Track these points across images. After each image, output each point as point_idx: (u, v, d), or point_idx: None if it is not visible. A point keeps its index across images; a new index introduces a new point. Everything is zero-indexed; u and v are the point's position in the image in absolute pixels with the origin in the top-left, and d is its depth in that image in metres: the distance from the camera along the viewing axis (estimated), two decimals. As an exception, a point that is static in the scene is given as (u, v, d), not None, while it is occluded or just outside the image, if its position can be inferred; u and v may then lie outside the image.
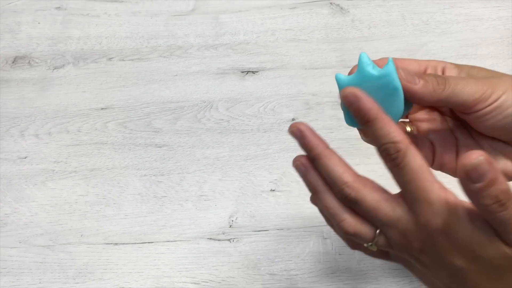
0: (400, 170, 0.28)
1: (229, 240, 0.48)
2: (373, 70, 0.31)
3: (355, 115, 0.29)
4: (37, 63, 0.62)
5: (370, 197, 0.29)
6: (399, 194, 0.29)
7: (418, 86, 0.31)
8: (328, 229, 0.48)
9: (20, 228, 0.49)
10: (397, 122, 0.32)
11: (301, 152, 0.34)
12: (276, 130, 0.55)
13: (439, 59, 0.35)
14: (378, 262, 0.46)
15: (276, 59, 0.62)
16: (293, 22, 0.65)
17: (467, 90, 0.31)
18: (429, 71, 0.34)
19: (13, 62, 0.62)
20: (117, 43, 0.64)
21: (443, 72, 0.34)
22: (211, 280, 0.46)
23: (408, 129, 0.36)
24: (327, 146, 0.32)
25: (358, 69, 0.32)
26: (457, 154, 0.35)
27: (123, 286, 0.45)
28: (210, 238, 0.48)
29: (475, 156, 0.26)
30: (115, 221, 0.49)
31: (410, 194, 0.28)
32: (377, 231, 0.30)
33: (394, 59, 0.33)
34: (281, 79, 0.60)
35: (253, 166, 0.53)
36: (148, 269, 0.46)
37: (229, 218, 0.49)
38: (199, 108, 0.58)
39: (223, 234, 0.48)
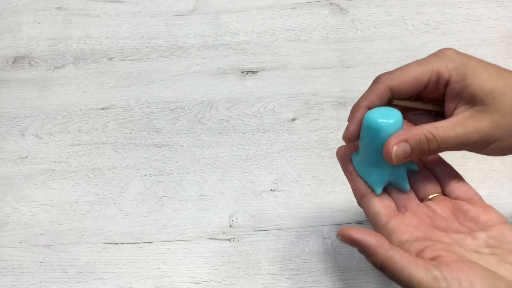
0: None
1: (229, 240, 0.48)
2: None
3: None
4: (37, 63, 0.62)
5: None
6: None
7: (410, 158, 0.33)
8: (328, 229, 0.48)
9: (21, 228, 0.49)
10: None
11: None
12: (276, 130, 0.55)
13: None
14: (378, 262, 0.46)
15: (276, 59, 0.62)
16: (293, 22, 0.65)
17: (456, 145, 0.32)
18: (429, 86, 0.34)
19: (13, 62, 0.62)
20: (117, 43, 0.64)
21: (445, 87, 0.33)
22: (211, 280, 0.46)
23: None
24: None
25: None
26: None
27: (124, 286, 0.46)
28: (210, 238, 0.48)
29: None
30: (115, 221, 0.49)
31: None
32: None
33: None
34: (281, 79, 0.60)
35: (253, 166, 0.53)
36: (148, 269, 0.46)
37: (229, 218, 0.49)
38: (199, 108, 0.58)
39: (223, 234, 0.48)
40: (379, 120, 0.32)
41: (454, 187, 0.34)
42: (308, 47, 0.63)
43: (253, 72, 0.61)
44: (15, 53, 0.63)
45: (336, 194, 0.50)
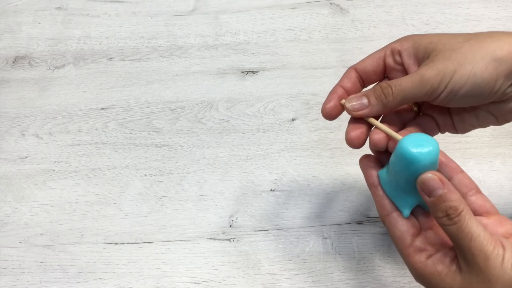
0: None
1: (229, 240, 0.48)
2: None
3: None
4: (37, 63, 0.62)
5: None
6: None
7: (368, 109, 0.35)
8: (328, 229, 0.48)
9: (21, 228, 0.49)
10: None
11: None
12: (276, 130, 0.55)
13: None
14: (378, 262, 0.46)
15: (276, 59, 0.62)
16: (293, 22, 0.65)
17: (414, 90, 0.33)
18: (387, 60, 0.36)
19: (13, 62, 0.62)
20: (117, 43, 0.64)
21: (400, 56, 0.36)
22: (211, 280, 0.46)
23: (414, 108, 0.37)
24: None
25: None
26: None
27: (124, 286, 0.46)
28: (210, 238, 0.48)
29: (428, 174, 0.30)
30: (115, 221, 0.49)
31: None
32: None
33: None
34: (281, 79, 0.60)
35: (253, 166, 0.53)
36: (148, 269, 0.46)
37: (229, 218, 0.49)
38: (199, 108, 0.58)
39: (223, 234, 0.48)
40: (412, 150, 0.31)
41: (471, 201, 0.34)
42: (308, 47, 0.63)
43: (253, 72, 0.61)
44: (15, 53, 0.63)
45: (336, 194, 0.50)
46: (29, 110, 0.58)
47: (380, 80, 0.38)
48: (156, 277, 0.46)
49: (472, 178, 0.48)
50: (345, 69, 0.54)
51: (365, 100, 0.35)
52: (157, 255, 0.47)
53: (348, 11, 0.66)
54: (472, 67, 0.31)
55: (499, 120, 0.35)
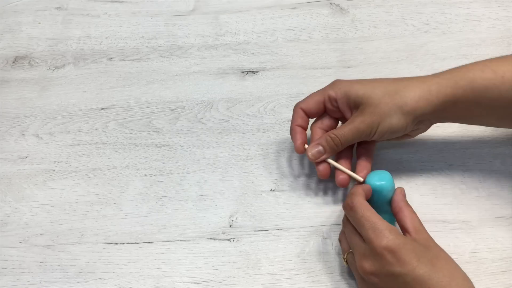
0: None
1: (229, 240, 0.48)
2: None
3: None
4: (37, 63, 0.62)
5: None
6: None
7: (326, 155, 0.46)
8: (328, 229, 0.48)
9: (21, 228, 0.49)
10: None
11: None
12: (276, 130, 0.55)
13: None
14: (378, 262, 0.46)
15: (276, 59, 0.62)
16: (293, 22, 0.65)
17: (354, 137, 0.45)
18: (327, 104, 0.47)
19: (13, 62, 0.62)
20: (117, 43, 0.64)
21: (336, 102, 0.47)
22: (211, 280, 0.46)
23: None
24: None
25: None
26: None
27: (124, 286, 0.46)
28: (210, 238, 0.48)
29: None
30: (115, 221, 0.49)
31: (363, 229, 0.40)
32: (350, 250, 0.42)
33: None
34: (281, 79, 0.60)
35: (253, 166, 0.53)
36: (148, 269, 0.46)
37: (229, 218, 0.49)
38: (199, 108, 0.58)
39: (223, 234, 0.48)
40: (377, 183, 0.44)
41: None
42: (308, 47, 0.63)
43: (253, 72, 0.61)
44: (15, 53, 0.63)
45: (336, 194, 0.50)
46: (29, 110, 0.58)
47: (320, 115, 0.49)
48: (156, 277, 0.46)
49: (472, 178, 0.50)
50: (345, 69, 0.54)
51: (321, 148, 0.46)
52: (157, 255, 0.47)
53: (348, 11, 0.66)
54: (390, 120, 0.44)
55: (412, 136, 0.48)
